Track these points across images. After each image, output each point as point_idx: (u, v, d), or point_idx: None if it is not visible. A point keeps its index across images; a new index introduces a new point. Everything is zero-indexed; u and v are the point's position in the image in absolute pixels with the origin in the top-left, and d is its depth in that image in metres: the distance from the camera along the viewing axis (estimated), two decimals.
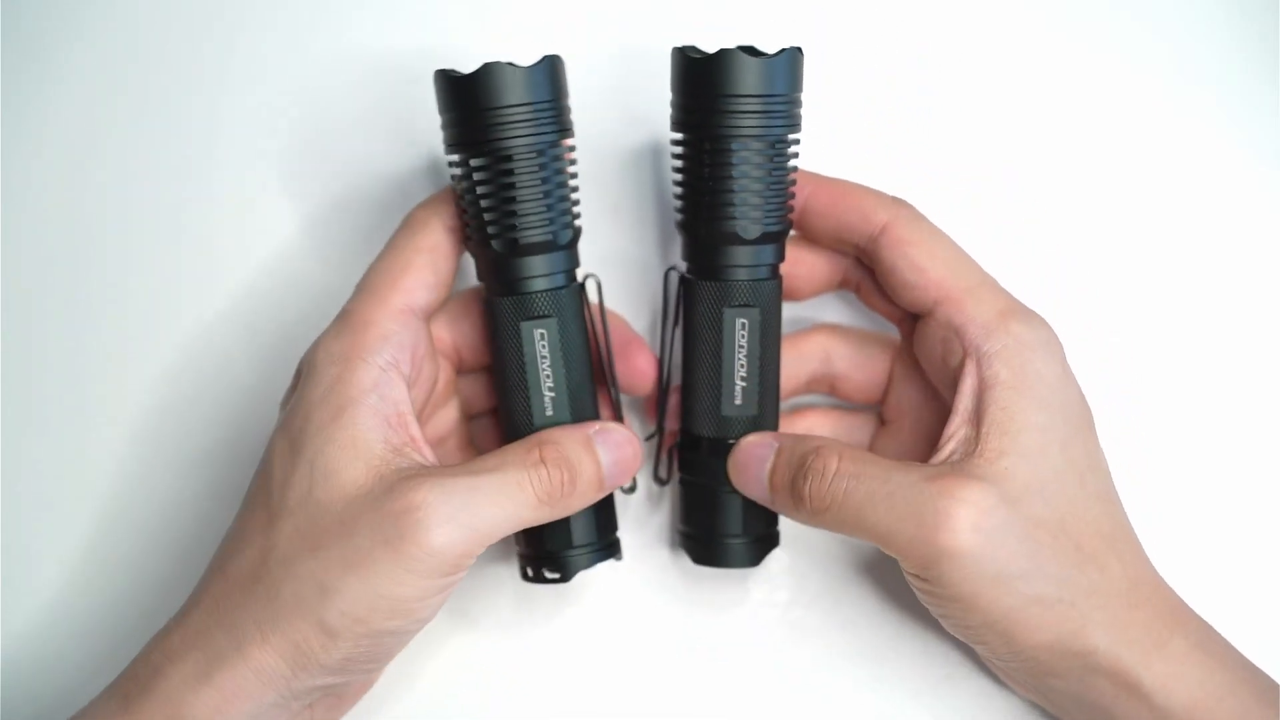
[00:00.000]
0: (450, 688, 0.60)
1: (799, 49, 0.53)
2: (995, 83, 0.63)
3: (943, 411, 0.54)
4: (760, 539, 0.57)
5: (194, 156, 0.62)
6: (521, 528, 0.51)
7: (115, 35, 0.63)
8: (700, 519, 0.57)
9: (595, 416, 0.55)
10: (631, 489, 0.59)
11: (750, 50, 0.52)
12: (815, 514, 0.52)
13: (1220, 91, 0.62)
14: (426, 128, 0.61)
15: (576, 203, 0.54)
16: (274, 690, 0.49)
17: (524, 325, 0.54)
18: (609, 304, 0.60)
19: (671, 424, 0.58)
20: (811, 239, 0.57)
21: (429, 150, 0.62)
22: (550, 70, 0.52)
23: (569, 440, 0.52)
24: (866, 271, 0.57)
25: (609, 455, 0.53)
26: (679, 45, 0.53)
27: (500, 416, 0.56)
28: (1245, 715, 0.50)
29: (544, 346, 0.54)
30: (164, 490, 0.62)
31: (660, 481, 0.60)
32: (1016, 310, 0.53)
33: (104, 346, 0.62)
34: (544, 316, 0.54)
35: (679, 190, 0.55)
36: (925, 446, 0.56)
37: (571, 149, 0.54)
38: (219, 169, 0.62)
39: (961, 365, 0.53)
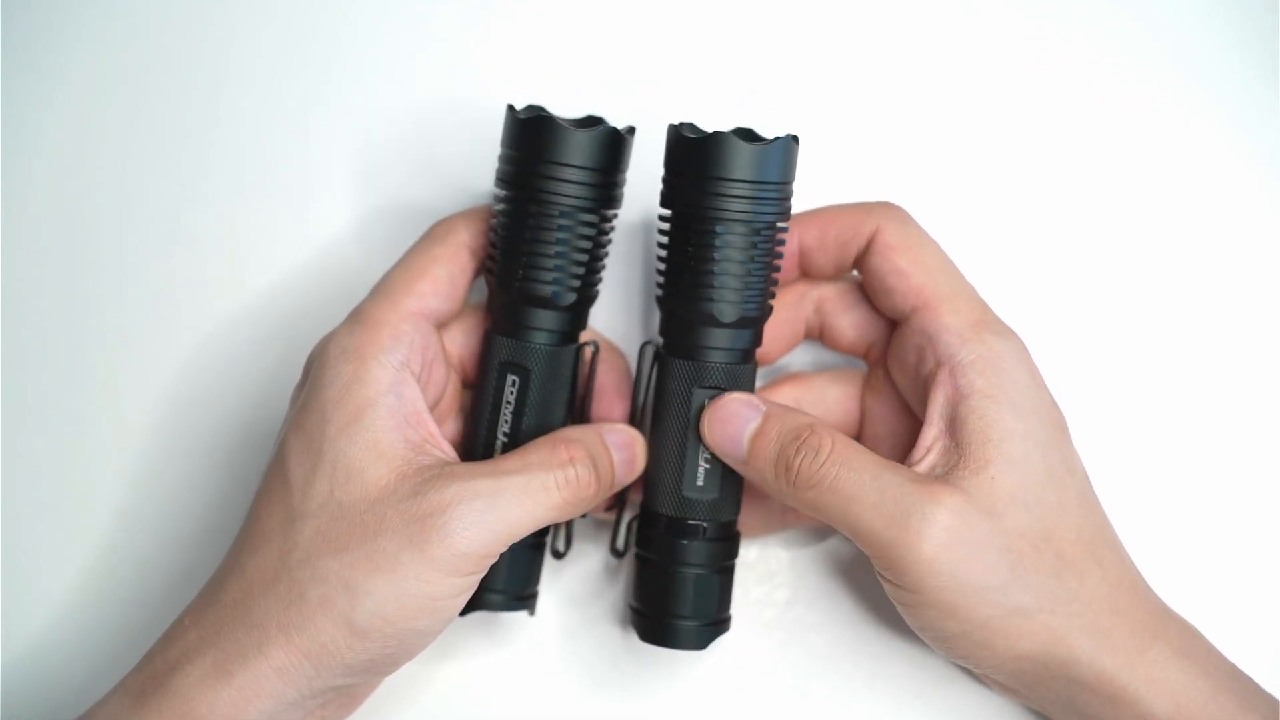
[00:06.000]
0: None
1: (794, 137, 0.53)
2: (990, 83, 0.63)
3: (919, 432, 0.54)
4: (714, 623, 0.56)
5: (194, 157, 0.63)
6: (542, 526, 0.52)
7: (146, 34, 0.64)
8: (653, 597, 0.56)
9: None
10: (562, 554, 0.59)
11: (745, 134, 0.52)
12: (798, 489, 0.52)
13: (1220, 92, 0.62)
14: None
15: (596, 270, 0.55)
16: (294, 689, 0.49)
17: (502, 366, 0.54)
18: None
19: (635, 495, 0.58)
20: (817, 276, 0.58)
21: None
22: (599, 141, 0.53)
23: (588, 438, 0.53)
24: (832, 305, 0.58)
25: (619, 454, 0.54)
26: (675, 122, 0.53)
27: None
28: None
29: (512, 393, 0.54)
30: (171, 495, 0.62)
31: (617, 554, 0.59)
32: (990, 322, 0.54)
33: (112, 346, 0.63)
34: (522, 367, 0.54)
35: (661, 266, 0.55)
36: None
37: (606, 219, 0.54)
38: (221, 170, 0.63)
39: (934, 374, 0.53)
